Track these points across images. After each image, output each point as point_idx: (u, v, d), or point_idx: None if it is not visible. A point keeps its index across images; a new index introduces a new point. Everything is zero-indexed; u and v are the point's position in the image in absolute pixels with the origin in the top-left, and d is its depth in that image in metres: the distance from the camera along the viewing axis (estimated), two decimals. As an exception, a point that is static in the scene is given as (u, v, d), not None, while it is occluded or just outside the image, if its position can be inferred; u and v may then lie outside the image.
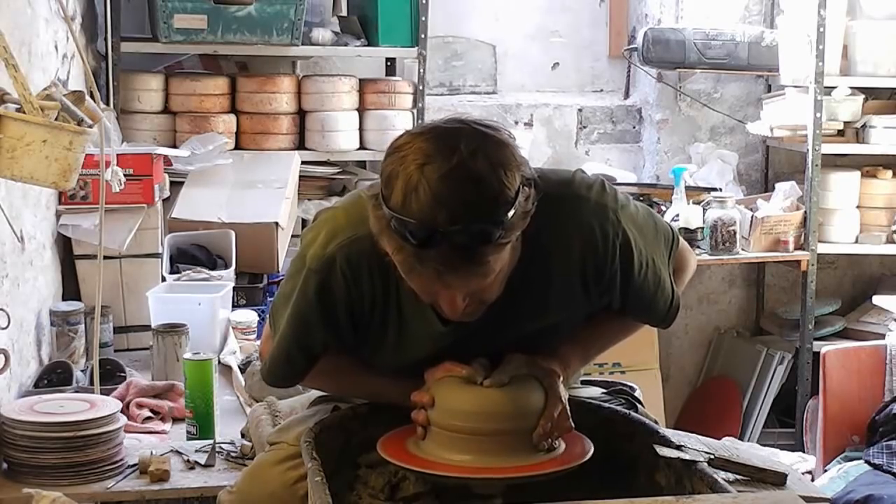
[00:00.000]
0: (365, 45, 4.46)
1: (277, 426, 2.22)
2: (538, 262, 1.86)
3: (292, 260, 1.97)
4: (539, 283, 1.88)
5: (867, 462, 3.67)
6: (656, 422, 2.06)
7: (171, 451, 2.73)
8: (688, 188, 4.59)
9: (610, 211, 1.91)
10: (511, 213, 1.67)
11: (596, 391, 2.21)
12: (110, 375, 3.23)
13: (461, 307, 1.77)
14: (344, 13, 4.53)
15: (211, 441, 2.77)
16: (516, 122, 4.92)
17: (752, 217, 4.56)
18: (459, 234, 1.64)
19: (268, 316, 2.12)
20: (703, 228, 4.45)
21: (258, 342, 3.59)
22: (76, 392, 3.02)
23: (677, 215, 4.49)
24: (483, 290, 1.76)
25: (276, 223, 3.91)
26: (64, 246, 3.70)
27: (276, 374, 2.03)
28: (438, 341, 1.90)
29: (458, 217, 1.64)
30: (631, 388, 2.26)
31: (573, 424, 1.87)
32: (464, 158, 1.66)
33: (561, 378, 1.89)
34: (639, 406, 2.18)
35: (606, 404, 2.02)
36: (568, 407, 1.86)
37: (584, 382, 2.31)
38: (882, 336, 4.46)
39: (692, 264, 2.25)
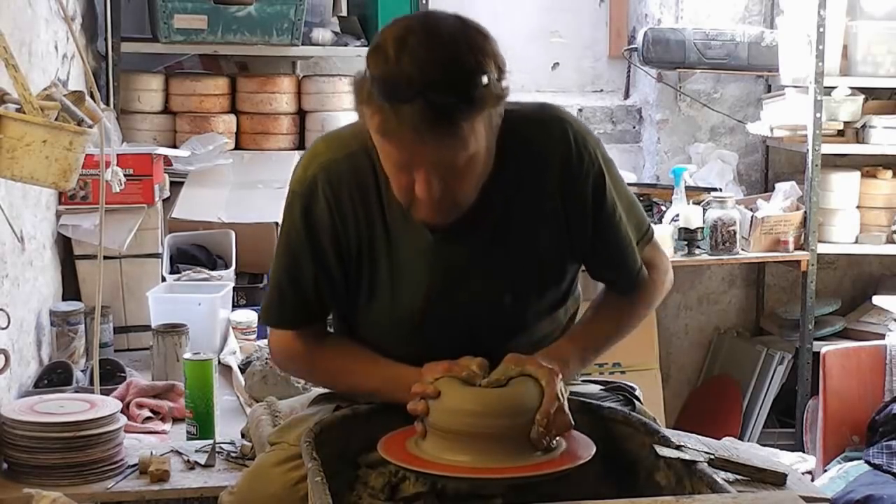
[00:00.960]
0: (365, 45, 4.45)
1: (278, 426, 2.21)
2: (519, 183, 1.96)
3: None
4: (521, 207, 1.97)
5: (867, 462, 3.66)
6: (655, 420, 2.05)
7: (171, 451, 2.73)
8: (688, 188, 4.59)
9: (590, 143, 2.01)
10: (485, 80, 1.78)
11: (594, 388, 2.20)
12: (110, 375, 3.23)
13: (436, 192, 1.83)
14: (344, 13, 4.53)
15: (211, 441, 2.77)
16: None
17: (752, 217, 4.56)
18: (436, 91, 1.73)
19: None
20: (703, 228, 4.45)
21: (258, 342, 3.59)
22: (76, 392, 3.03)
23: (677, 215, 4.49)
24: (456, 178, 1.83)
25: (276, 223, 3.90)
26: (64, 246, 3.70)
27: (269, 310, 2.08)
28: (432, 263, 1.96)
29: (435, 76, 1.75)
30: (631, 388, 2.26)
31: (573, 422, 1.87)
32: (443, 32, 1.81)
33: (560, 377, 1.88)
34: (637, 403, 2.17)
35: (606, 404, 2.02)
36: (566, 405, 1.86)
37: (584, 381, 2.30)
38: (882, 336, 4.46)
39: (666, 279, 2.19)
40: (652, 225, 2.18)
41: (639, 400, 2.20)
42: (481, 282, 1.99)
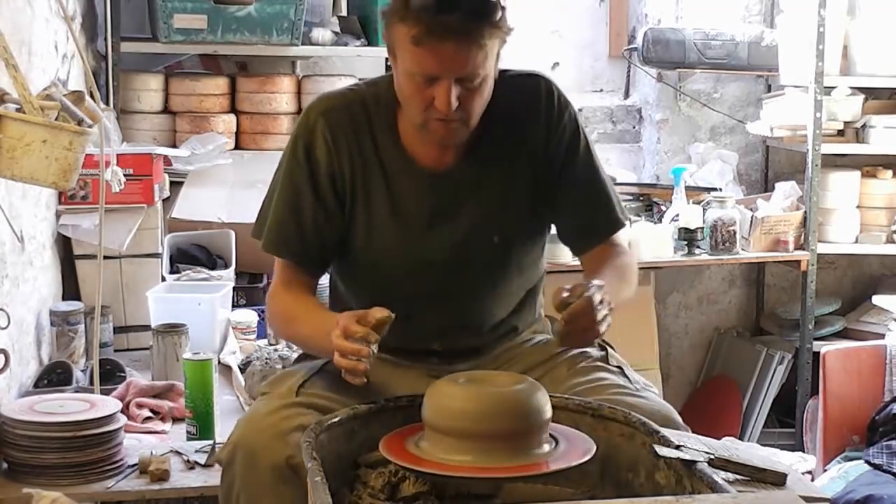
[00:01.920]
0: (365, 45, 4.46)
1: (267, 380, 2.30)
2: (506, 131, 2.24)
3: None
4: (507, 153, 2.25)
5: (867, 462, 3.66)
6: (623, 368, 2.22)
7: (171, 451, 2.73)
8: (688, 188, 4.59)
9: (571, 107, 2.34)
10: (503, 5, 2.12)
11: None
12: (110, 375, 3.23)
13: (454, 102, 2.08)
14: (344, 13, 4.53)
15: (211, 441, 2.77)
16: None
17: (752, 217, 4.56)
18: (471, 8, 2.06)
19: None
20: (703, 228, 4.45)
21: (258, 342, 3.60)
22: (76, 392, 3.02)
23: (677, 215, 4.49)
24: (471, 94, 2.10)
25: (276, 223, 3.90)
26: (64, 246, 3.70)
27: (270, 238, 2.30)
28: (427, 198, 2.22)
29: None
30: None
31: (601, 329, 2.03)
32: None
33: (605, 290, 2.05)
34: (609, 349, 2.30)
35: (607, 405, 2.02)
36: (601, 316, 2.03)
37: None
38: (882, 336, 4.46)
39: (632, 266, 2.38)
40: (626, 217, 2.43)
41: (611, 346, 2.32)
42: (471, 220, 2.23)
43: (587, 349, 2.28)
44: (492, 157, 2.25)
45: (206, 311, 3.51)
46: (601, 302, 2.06)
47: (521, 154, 2.26)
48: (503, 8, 2.12)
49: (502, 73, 2.23)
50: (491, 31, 2.10)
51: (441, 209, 2.24)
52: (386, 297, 2.10)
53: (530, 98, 2.29)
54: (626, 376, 2.20)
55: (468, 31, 2.06)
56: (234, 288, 3.78)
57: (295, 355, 3.21)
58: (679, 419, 2.12)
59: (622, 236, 2.39)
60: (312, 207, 2.24)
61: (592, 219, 2.33)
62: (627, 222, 2.44)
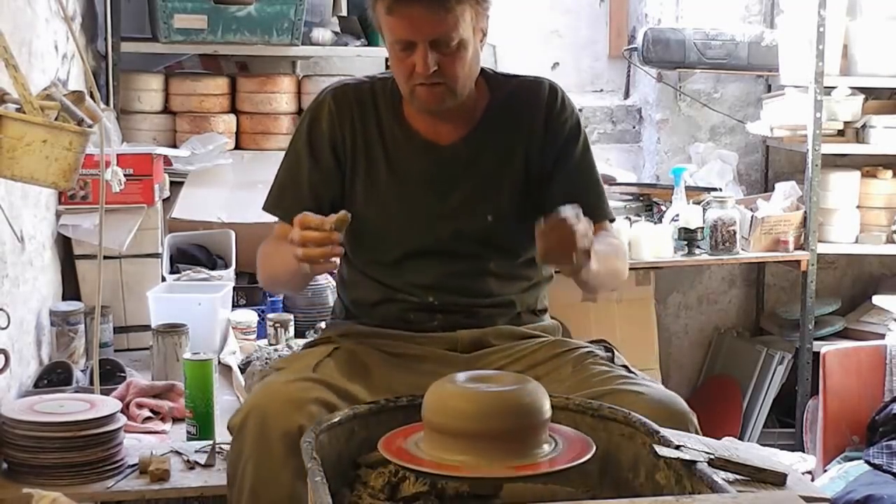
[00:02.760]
0: (365, 45, 4.46)
1: (280, 359, 2.42)
2: (507, 116, 2.38)
3: None
4: (508, 134, 2.38)
5: (867, 462, 3.66)
6: (629, 368, 2.25)
7: (171, 451, 2.73)
8: (688, 188, 4.59)
9: (575, 108, 2.46)
10: None
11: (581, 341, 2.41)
12: (110, 375, 3.23)
13: (431, 65, 2.22)
14: (344, 13, 4.53)
15: (211, 441, 2.77)
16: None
17: (752, 217, 4.56)
18: None
19: None
20: (703, 228, 4.45)
21: (258, 342, 3.60)
22: (76, 392, 3.02)
23: (677, 215, 4.49)
24: (448, 58, 2.23)
25: (277, 223, 3.90)
26: (64, 246, 3.70)
27: (269, 200, 2.46)
28: (425, 170, 2.36)
29: None
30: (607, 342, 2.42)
31: (579, 240, 2.03)
32: None
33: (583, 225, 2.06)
34: (615, 352, 2.35)
35: (607, 405, 2.02)
36: (580, 238, 2.03)
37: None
38: (882, 336, 4.46)
39: (622, 248, 2.49)
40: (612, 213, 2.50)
41: (616, 349, 2.38)
42: (464, 194, 2.35)
43: (593, 349, 2.30)
44: (492, 139, 2.37)
45: (206, 311, 3.51)
46: (577, 217, 2.07)
47: (520, 140, 2.38)
48: None
49: (510, 76, 2.44)
50: None
51: (437, 178, 2.36)
52: (383, 251, 2.36)
53: (534, 93, 2.42)
54: (631, 372, 2.23)
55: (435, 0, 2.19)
56: (234, 288, 3.78)
57: (295, 355, 3.23)
58: (686, 407, 2.13)
59: (611, 227, 2.48)
60: (309, 169, 2.39)
61: (581, 203, 2.28)
62: (614, 221, 2.53)
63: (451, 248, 2.36)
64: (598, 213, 2.37)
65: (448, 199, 2.36)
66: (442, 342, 2.35)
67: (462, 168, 2.37)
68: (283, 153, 2.49)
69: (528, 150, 2.39)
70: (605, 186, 2.51)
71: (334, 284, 3.12)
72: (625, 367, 2.27)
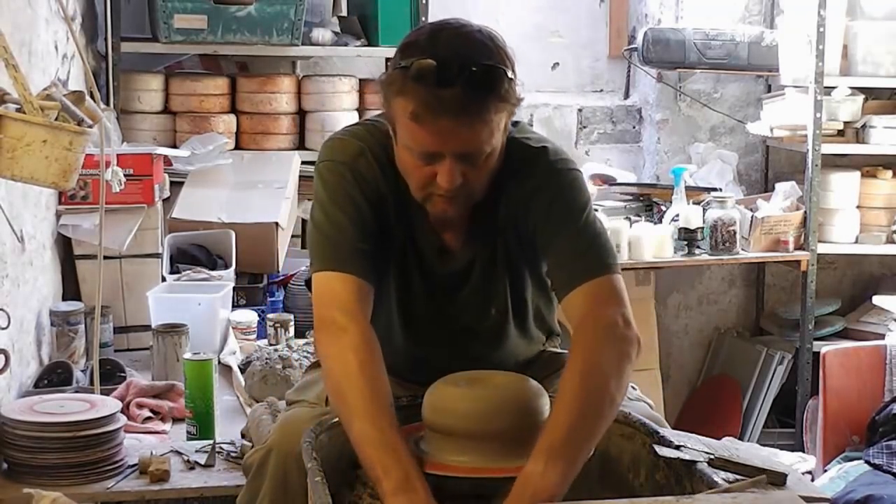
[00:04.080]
0: (365, 45, 4.46)
1: (294, 387, 2.25)
2: (500, 201, 2.06)
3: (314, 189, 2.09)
4: (498, 223, 2.08)
5: (867, 462, 3.66)
6: (651, 407, 2.12)
7: (171, 451, 2.73)
8: (688, 188, 4.59)
9: (566, 170, 2.09)
10: (510, 75, 1.92)
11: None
12: (110, 375, 3.23)
13: (457, 180, 1.93)
14: (344, 13, 4.53)
15: (211, 441, 2.77)
16: (516, 123, 4.92)
17: (752, 217, 4.57)
18: (474, 78, 1.87)
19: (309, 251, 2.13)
20: (703, 228, 4.45)
21: (258, 342, 3.60)
22: (76, 392, 3.02)
23: (677, 215, 4.49)
24: (475, 170, 1.95)
25: (276, 223, 3.90)
26: (64, 246, 3.70)
27: (325, 257, 2.00)
28: (436, 268, 2.09)
29: (470, 60, 1.88)
30: None
31: None
32: (472, 28, 1.96)
33: None
34: None
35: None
36: None
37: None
38: (882, 336, 4.46)
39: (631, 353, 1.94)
40: (616, 266, 2.04)
41: None
42: (471, 293, 2.12)
43: None
44: (484, 233, 2.10)
45: (206, 311, 3.51)
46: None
47: (508, 227, 2.09)
48: (510, 79, 1.93)
49: (510, 140, 2.05)
50: (497, 104, 1.92)
51: (443, 286, 2.13)
52: (392, 346, 2.07)
53: (522, 166, 2.08)
54: None
55: (470, 107, 1.89)
56: (234, 288, 3.78)
57: (295, 356, 3.22)
58: (666, 428, 2.05)
59: (615, 292, 1.99)
60: (370, 214, 2.03)
61: (560, 266, 2.05)
62: (617, 273, 2.03)
63: (463, 346, 2.14)
64: (578, 274, 1.99)
65: (456, 304, 2.13)
66: None
67: (464, 271, 2.12)
68: (314, 213, 2.07)
69: (517, 234, 2.09)
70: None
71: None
72: (643, 424, 2.07)
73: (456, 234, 2.11)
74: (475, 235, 2.10)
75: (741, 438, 4.53)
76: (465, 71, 1.86)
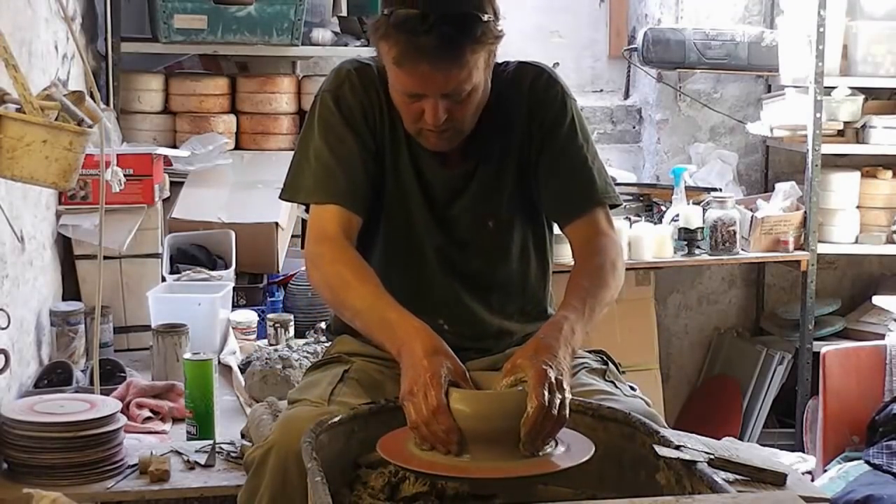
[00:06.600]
0: (365, 45, 4.45)
1: (296, 387, 2.26)
2: (500, 117, 2.22)
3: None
4: (500, 136, 2.23)
5: (867, 462, 3.67)
6: (650, 405, 2.14)
7: (171, 451, 2.73)
8: (688, 188, 4.59)
9: (561, 85, 2.28)
10: (486, 19, 2.05)
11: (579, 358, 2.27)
12: (110, 375, 3.23)
13: (442, 118, 2.09)
14: (344, 13, 4.52)
15: (211, 441, 2.77)
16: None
17: (752, 217, 4.57)
18: (448, 25, 2.01)
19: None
20: (703, 228, 4.45)
21: (258, 342, 3.60)
22: (76, 392, 3.02)
23: (677, 215, 4.49)
24: (459, 107, 2.09)
25: (276, 223, 3.90)
26: (64, 246, 3.70)
27: (315, 189, 2.20)
28: (431, 180, 2.23)
29: (448, 10, 2.03)
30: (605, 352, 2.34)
31: (565, 418, 1.84)
32: None
33: (548, 381, 1.83)
34: (611, 365, 2.28)
35: (606, 404, 2.02)
36: (559, 404, 1.83)
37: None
38: (882, 336, 4.46)
39: (609, 263, 2.21)
40: (615, 196, 2.34)
41: (613, 362, 2.30)
42: (464, 206, 2.24)
43: (587, 360, 2.25)
44: (485, 148, 2.24)
45: (206, 311, 3.51)
46: (553, 389, 1.84)
47: (510, 140, 2.25)
48: (485, 22, 2.05)
49: (500, 68, 2.22)
50: (473, 47, 2.05)
51: (440, 197, 2.25)
52: (394, 265, 2.22)
53: (519, 83, 2.26)
54: (618, 388, 2.17)
55: (446, 54, 2.03)
56: (234, 288, 3.78)
57: (295, 356, 3.22)
58: (661, 422, 2.07)
59: (604, 218, 2.27)
60: (356, 146, 2.19)
61: (569, 188, 2.26)
62: (615, 199, 2.34)
63: (459, 261, 2.26)
64: (586, 201, 2.24)
65: (450, 214, 2.25)
66: None
67: (461, 183, 2.25)
68: (303, 139, 2.26)
69: (519, 146, 2.25)
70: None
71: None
72: (613, 382, 2.19)
73: (452, 152, 2.23)
74: (477, 143, 2.22)
75: (741, 438, 4.53)
76: (441, 19, 2.00)
